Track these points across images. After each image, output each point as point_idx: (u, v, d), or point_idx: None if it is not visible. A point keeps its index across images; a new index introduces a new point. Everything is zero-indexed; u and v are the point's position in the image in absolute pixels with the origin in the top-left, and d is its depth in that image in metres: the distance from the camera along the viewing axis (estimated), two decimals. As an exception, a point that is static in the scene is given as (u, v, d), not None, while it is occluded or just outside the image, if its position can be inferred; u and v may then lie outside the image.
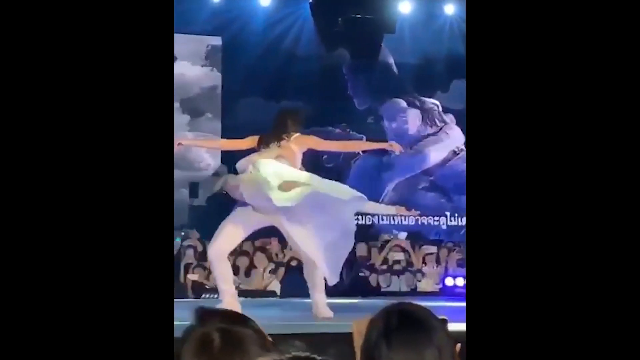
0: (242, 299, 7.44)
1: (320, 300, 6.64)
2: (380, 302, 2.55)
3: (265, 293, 9.92)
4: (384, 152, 11.56)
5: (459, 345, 2.24)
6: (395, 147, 6.99)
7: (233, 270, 7.87)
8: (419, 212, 7.53)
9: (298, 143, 6.48)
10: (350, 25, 14.15)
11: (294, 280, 10.18)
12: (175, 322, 2.43)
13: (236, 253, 10.71)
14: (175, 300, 2.68)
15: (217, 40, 16.20)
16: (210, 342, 1.94)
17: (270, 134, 6.55)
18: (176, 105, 15.92)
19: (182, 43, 16.16)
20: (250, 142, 6.60)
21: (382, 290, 10.25)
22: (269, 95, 14.92)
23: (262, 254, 10.38)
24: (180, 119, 15.60)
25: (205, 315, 1.99)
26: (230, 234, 6.67)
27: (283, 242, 11.34)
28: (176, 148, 6.40)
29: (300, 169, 6.47)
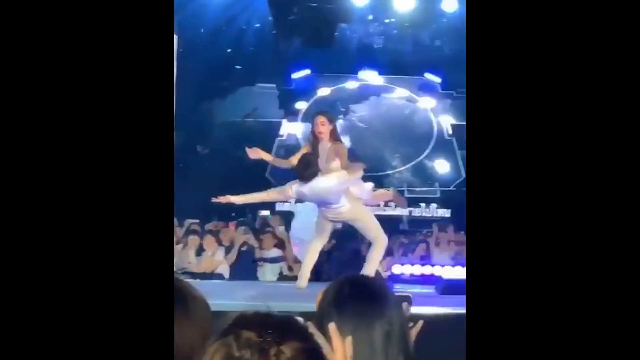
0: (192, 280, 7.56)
1: None
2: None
3: (213, 275, 9.95)
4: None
5: (421, 322, 2.26)
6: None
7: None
8: None
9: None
10: (305, 14, 14.19)
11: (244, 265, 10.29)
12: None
13: (188, 232, 10.77)
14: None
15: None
16: None
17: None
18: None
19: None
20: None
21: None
22: (221, 79, 14.96)
23: (212, 237, 10.40)
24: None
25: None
26: None
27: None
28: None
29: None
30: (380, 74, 16.38)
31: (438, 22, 16.10)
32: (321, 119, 7.66)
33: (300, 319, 1.63)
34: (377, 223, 7.92)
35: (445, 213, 14.57)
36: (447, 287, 7.96)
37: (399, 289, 7.69)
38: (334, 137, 7.64)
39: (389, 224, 13.66)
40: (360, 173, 7.80)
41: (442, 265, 10.15)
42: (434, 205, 14.99)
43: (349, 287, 2.08)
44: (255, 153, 7.80)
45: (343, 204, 7.64)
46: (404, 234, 12.30)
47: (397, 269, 10.38)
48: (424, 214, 15.09)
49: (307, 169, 7.39)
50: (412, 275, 10.10)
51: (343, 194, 7.54)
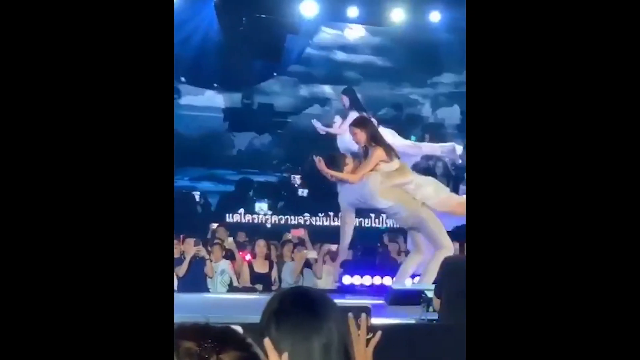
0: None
1: None
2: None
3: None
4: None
5: (379, 333, 2.28)
6: None
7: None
8: None
9: None
10: (254, 25, 14.19)
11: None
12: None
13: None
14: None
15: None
16: None
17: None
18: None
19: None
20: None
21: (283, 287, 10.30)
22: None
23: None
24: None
25: None
26: None
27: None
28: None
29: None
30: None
31: (384, 35, 16.21)
32: (353, 130, 7.77)
33: (239, 329, 1.64)
34: (441, 229, 7.75)
35: (395, 223, 14.61)
36: (396, 298, 7.97)
37: (350, 301, 7.69)
38: (370, 140, 7.67)
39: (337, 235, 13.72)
40: (409, 174, 7.79)
41: (392, 276, 10.17)
42: (383, 215, 15.06)
43: (291, 299, 2.08)
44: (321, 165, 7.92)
45: (398, 210, 7.71)
46: (353, 244, 12.32)
47: (347, 280, 10.38)
48: (373, 225, 15.14)
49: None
50: (362, 285, 10.11)
51: (379, 196, 7.61)
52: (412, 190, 7.68)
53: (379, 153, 7.58)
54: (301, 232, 11.92)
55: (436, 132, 16.22)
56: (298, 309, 2.05)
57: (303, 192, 15.28)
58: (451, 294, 5.66)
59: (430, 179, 8.06)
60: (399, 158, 7.78)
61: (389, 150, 7.67)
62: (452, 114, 16.72)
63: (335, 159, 7.72)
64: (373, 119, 8.08)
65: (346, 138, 8.08)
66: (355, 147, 7.91)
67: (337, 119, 8.85)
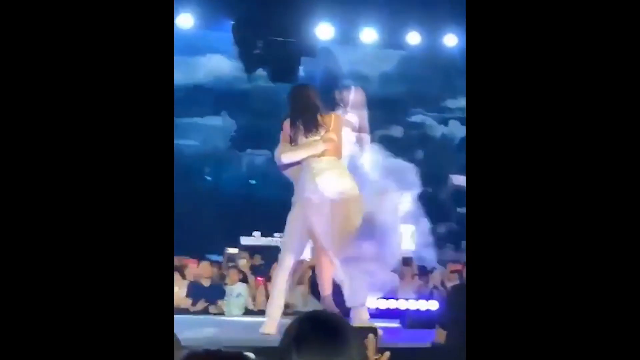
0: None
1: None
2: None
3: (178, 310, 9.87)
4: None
5: (387, 353, 2.33)
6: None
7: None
8: None
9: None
10: (270, 47, 14.24)
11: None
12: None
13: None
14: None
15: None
16: None
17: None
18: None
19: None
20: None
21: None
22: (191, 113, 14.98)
23: (176, 272, 10.32)
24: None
25: None
26: None
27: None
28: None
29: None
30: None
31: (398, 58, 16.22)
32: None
33: (252, 356, 1.62)
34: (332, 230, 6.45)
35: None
36: (415, 321, 7.93)
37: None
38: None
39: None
40: (300, 151, 6.46)
41: (407, 299, 10.10)
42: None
43: (310, 324, 2.08)
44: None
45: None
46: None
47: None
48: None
49: None
50: (377, 309, 10.03)
51: (288, 175, 6.65)
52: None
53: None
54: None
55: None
56: (318, 334, 2.04)
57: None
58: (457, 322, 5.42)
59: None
60: (324, 139, 6.50)
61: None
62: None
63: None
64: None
65: None
66: None
67: None
